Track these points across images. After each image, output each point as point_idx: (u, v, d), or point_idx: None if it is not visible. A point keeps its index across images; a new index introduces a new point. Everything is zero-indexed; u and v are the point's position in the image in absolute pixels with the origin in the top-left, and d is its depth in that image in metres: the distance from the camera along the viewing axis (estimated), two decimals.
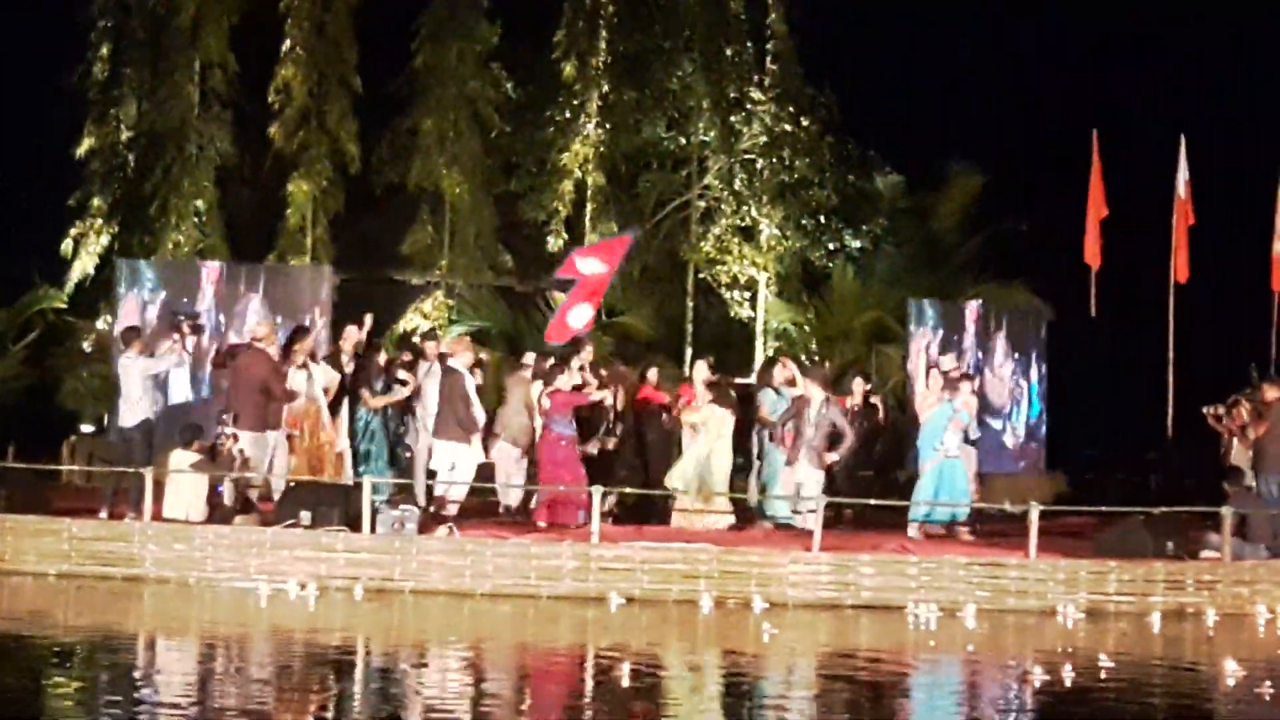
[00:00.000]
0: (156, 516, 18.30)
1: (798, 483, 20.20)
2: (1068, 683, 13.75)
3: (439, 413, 20.02)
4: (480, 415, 20.07)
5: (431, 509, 19.86)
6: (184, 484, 18.65)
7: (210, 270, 23.74)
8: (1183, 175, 24.76)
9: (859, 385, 22.56)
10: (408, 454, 21.23)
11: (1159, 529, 19.08)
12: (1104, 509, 19.78)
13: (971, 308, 25.33)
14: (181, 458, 18.78)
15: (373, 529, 18.15)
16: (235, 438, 18.79)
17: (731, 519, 20.67)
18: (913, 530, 20.42)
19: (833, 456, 20.26)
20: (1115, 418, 27.72)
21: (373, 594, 17.43)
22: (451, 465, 20.00)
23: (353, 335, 20.75)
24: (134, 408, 19.13)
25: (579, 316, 22.04)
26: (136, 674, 13.31)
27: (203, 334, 20.29)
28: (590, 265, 22.15)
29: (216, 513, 18.62)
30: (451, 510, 19.77)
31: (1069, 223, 25.68)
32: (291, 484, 19.01)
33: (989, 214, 30.72)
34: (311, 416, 19.72)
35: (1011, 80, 30.22)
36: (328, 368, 19.91)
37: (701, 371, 21.29)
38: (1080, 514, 20.53)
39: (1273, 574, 18.73)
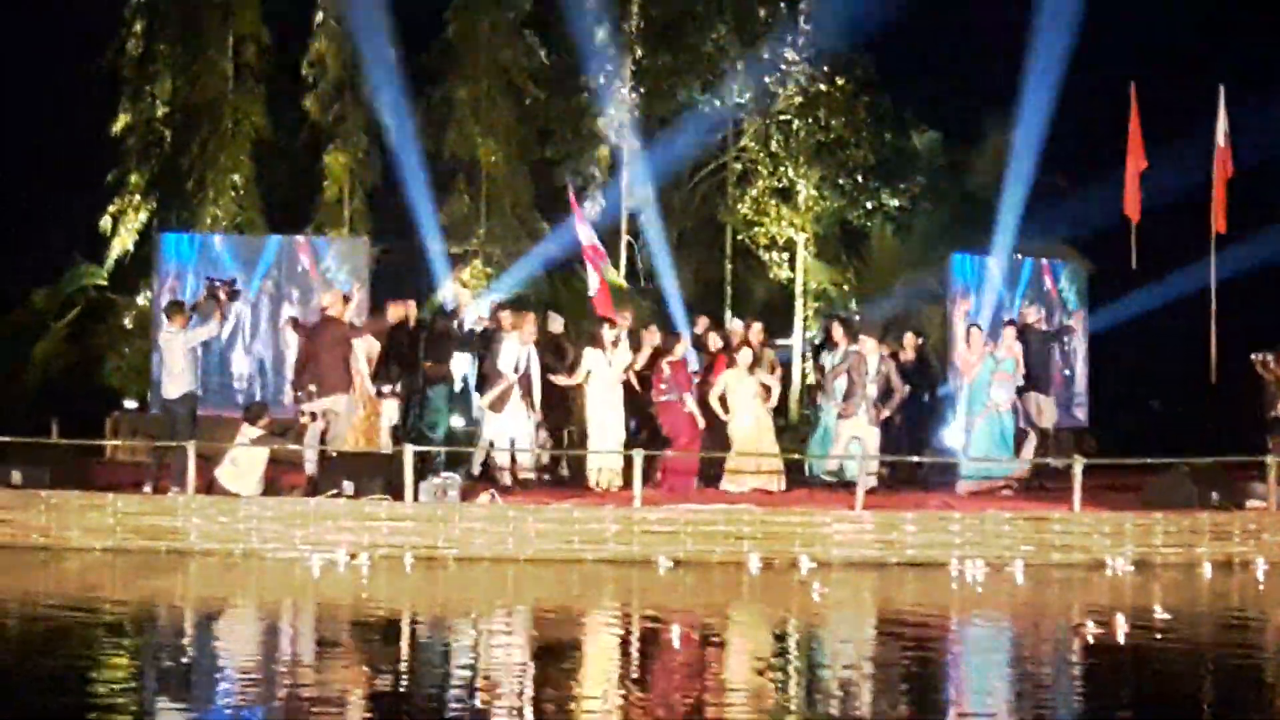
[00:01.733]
0: (201, 489, 18.36)
1: (854, 437, 20.20)
2: (1120, 637, 13.73)
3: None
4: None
5: (508, 481, 20.02)
6: (242, 459, 18.73)
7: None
8: (1222, 126, 24.60)
9: (910, 339, 22.47)
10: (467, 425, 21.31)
11: (1204, 480, 19.03)
12: (1149, 460, 19.69)
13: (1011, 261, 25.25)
14: (245, 432, 18.86)
15: (415, 497, 18.17)
16: (314, 416, 18.87)
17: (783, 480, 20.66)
18: (961, 487, 20.40)
19: (885, 412, 20.30)
20: (1157, 369, 27.56)
21: (418, 562, 17.45)
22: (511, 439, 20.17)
23: (398, 311, 20.64)
24: (177, 381, 19.14)
25: (593, 284, 22.46)
26: (186, 647, 13.37)
27: (239, 299, 20.25)
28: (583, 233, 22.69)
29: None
30: (505, 479, 19.86)
31: (1108, 176, 25.55)
32: (334, 454, 19.02)
33: (1027, 169, 30.57)
34: (359, 388, 19.71)
35: (1048, 34, 29.93)
36: (371, 338, 19.87)
37: (757, 334, 21.38)
38: (1125, 466, 20.43)
39: None
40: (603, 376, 20.41)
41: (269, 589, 16.67)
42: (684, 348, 21.12)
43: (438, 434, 20.48)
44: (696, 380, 21.17)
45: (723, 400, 20.48)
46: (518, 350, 20.12)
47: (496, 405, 20.04)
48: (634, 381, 21.05)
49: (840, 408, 20.48)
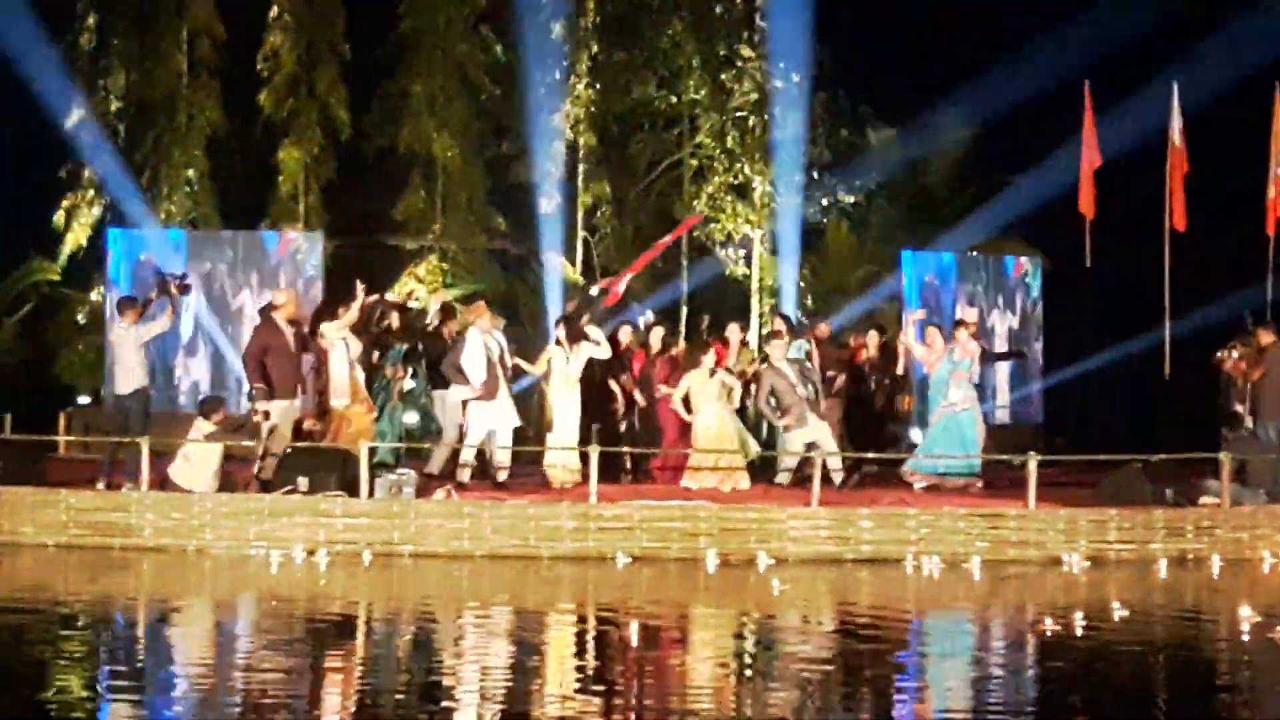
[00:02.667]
0: (154, 485, 18.29)
1: (809, 442, 20.29)
2: (1076, 632, 13.79)
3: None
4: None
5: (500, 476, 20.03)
6: (195, 455, 18.64)
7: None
8: (1176, 123, 24.63)
9: (874, 337, 22.53)
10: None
11: (1158, 476, 19.13)
12: (1102, 457, 19.77)
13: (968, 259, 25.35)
14: (199, 427, 18.79)
15: (370, 493, 18.12)
16: (267, 415, 18.80)
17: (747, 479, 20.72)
18: (917, 483, 20.46)
19: (824, 402, 20.46)
20: (1112, 366, 27.68)
21: (374, 559, 17.39)
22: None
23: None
24: (129, 376, 19.10)
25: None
26: (138, 645, 13.31)
27: (190, 293, 20.12)
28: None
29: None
30: (463, 475, 19.84)
31: (1063, 174, 25.62)
32: (289, 450, 18.96)
33: (982, 165, 30.68)
34: (361, 389, 19.67)
35: (1002, 31, 30.06)
36: (353, 338, 19.74)
37: (736, 334, 21.52)
38: (1078, 463, 20.50)
39: (1272, 519, 18.76)
40: (562, 373, 20.38)
41: (220, 586, 16.63)
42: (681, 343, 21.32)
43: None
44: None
45: (686, 401, 20.57)
46: (485, 341, 20.03)
47: (486, 396, 19.93)
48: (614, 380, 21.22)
49: (783, 423, 20.55)
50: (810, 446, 20.20)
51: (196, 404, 20.20)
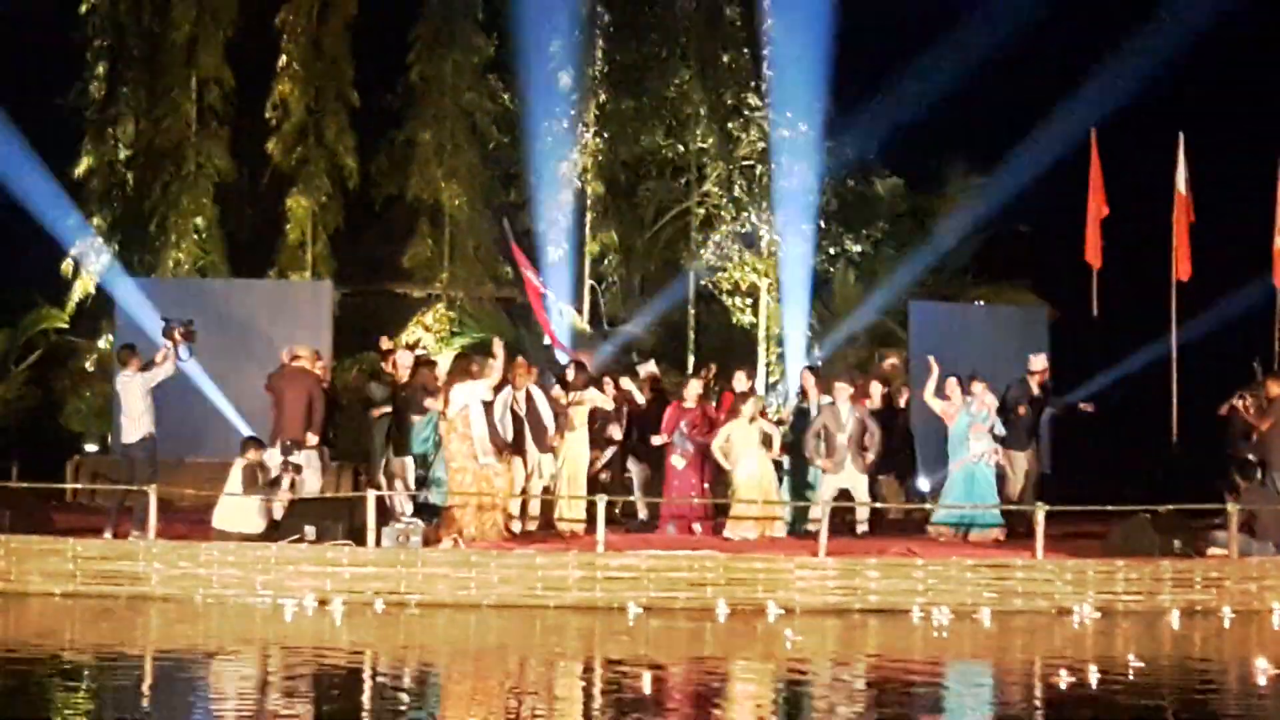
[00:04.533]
0: (161, 534, 18.28)
1: (843, 489, 20.42)
2: (1084, 684, 13.75)
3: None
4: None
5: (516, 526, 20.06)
6: (234, 503, 18.69)
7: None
8: (1182, 173, 24.70)
9: (877, 388, 22.57)
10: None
11: (1165, 527, 19.07)
12: (1110, 508, 19.71)
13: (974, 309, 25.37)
14: (237, 464, 18.82)
15: (378, 543, 18.11)
16: (299, 469, 18.87)
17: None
18: (934, 533, 20.46)
19: (870, 456, 20.42)
20: (1119, 417, 27.63)
21: (380, 608, 17.36)
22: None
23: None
24: (135, 424, 19.13)
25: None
26: (143, 693, 13.28)
27: (195, 339, 20.15)
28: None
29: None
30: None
31: (1070, 222, 25.65)
32: (296, 499, 18.97)
33: (989, 215, 30.71)
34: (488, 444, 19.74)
35: (1009, 80, 30.14)
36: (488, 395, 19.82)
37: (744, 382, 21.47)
38: (1086, 514, 20.44)
39: None
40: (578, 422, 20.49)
41: (225, 636, 16.57)
42: (694, 392, 21.20)
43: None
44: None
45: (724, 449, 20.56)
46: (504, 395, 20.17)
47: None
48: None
49: (823, 464, 20.55)
50: (842, 494, 20.27)
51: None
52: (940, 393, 21.06)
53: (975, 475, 20.56)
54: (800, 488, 21.40)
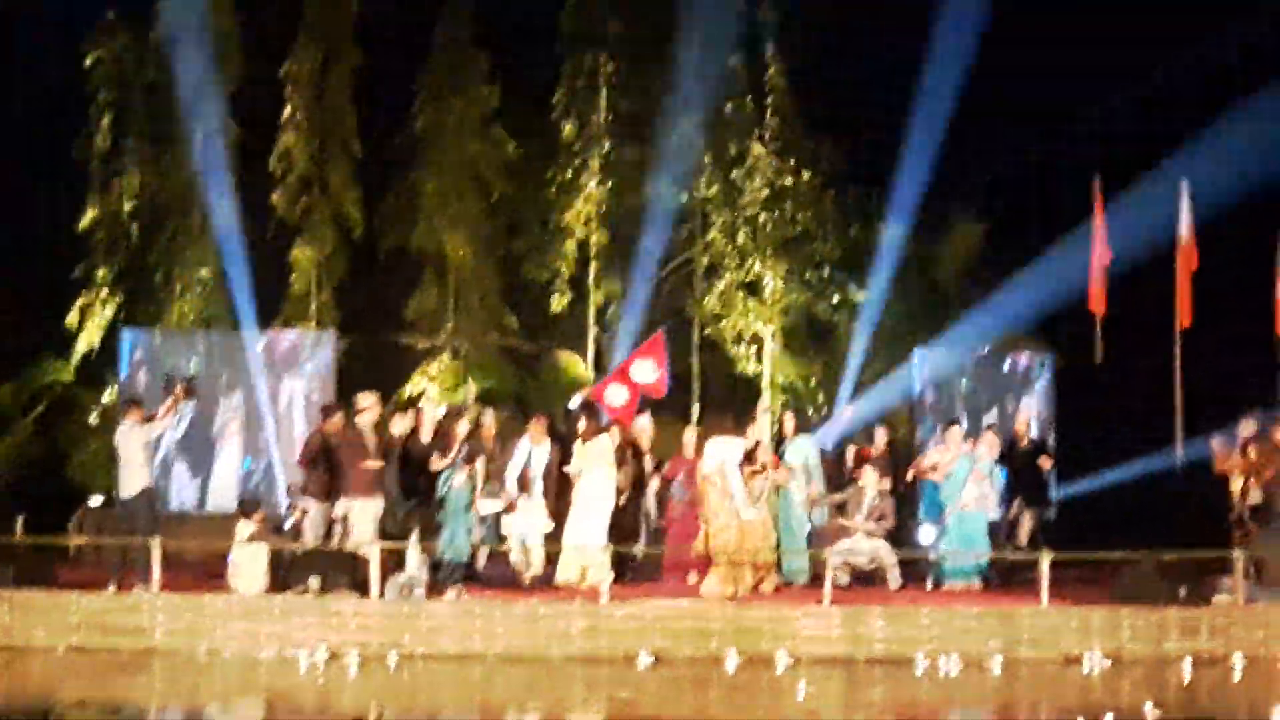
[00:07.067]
0: (164, 587, 18.27)
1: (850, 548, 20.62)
2: None
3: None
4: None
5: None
6: (243, 555, 18.69)
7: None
8: (1185, 220, 24.68)
9: (881, 435, 22.59)
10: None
11: (1171, 574, 19.01)
12: (1115, 555, 19.65)
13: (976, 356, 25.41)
14: (242, 529, 18.86)
15: (381, 594, 18.10)
16: (305, 511, 18.92)
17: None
18: (930, 584, 20.46)
19: (886, 525, 20.83)
20: (1123, 462, 27.58)
21: (383, 660, 17.34)
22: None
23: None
24: (134, 476, 19.14)
25: (617, 395, 22.41)
26: None
27: (196, 396, 20.14)
28: (642, 371, 22.64)
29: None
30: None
31: (1072, 270, 25.67)
32: (301, 552, 18.99)
33: (992, 262, 30.69)
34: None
35: (1012, 128, 30.19)
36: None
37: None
38: (1092, 561, 20.38)
39: None
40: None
41: (229, 689, 16.55)
42: (691, 438, 21.30)
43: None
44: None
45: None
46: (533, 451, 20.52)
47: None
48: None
49: (867, 528, 20.60)
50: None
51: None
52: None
53: (965, 523, 20.57)
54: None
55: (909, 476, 21.85)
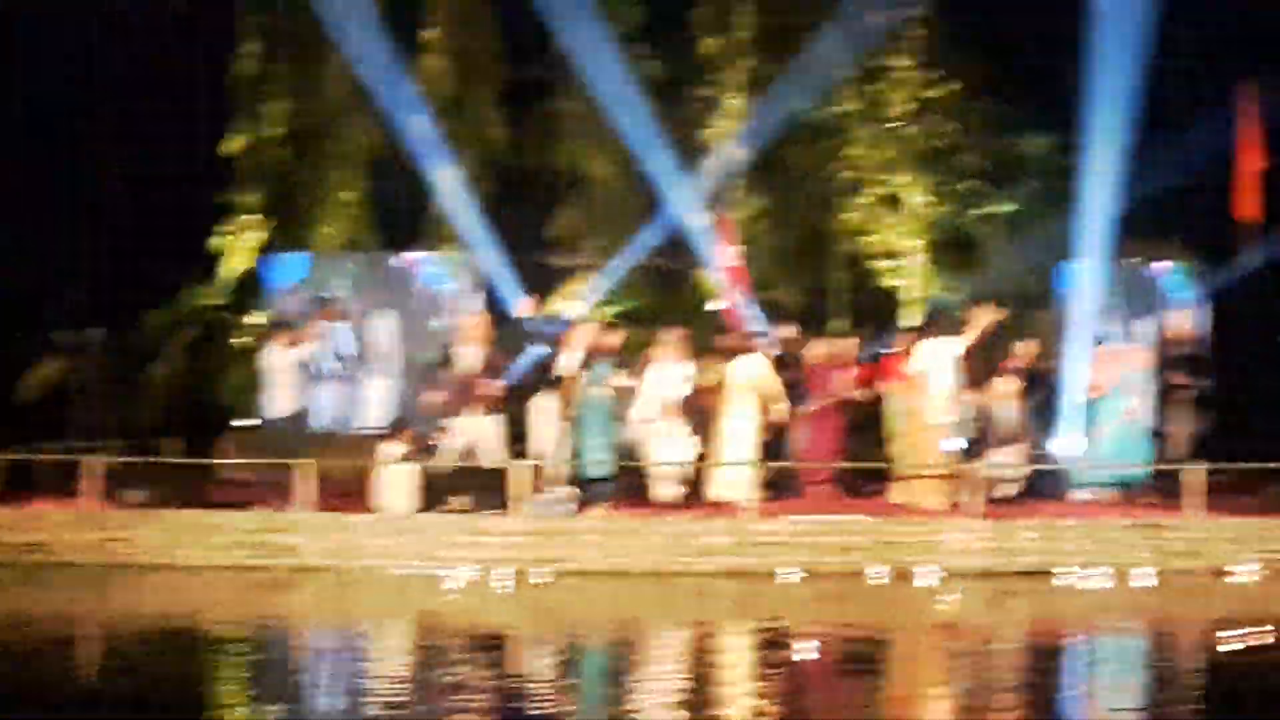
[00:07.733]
0: (314, 505, 18.44)
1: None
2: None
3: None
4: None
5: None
6: (393, 475, 18.85)
7: None
8: None
9: (1023, 348, 22.15)
10: None
11: None
12: (1272, 464, 19.29)
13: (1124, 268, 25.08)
14: (392, 448, 19.01)
15: (529, 511, 18.17)
16: (447, 431, 19.14)
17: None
18: (1085, 494, 20.12)
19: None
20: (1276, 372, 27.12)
21: (532, 578, 17.40)
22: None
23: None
24: (282, 398, 19.40)
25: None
26: (299, 666, 13.42)
27: (343, 318, 20.27)
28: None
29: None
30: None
31: (1223, 178, 25.25)
32: (450, 470, 19.09)
33: (1142, 172, 30.21)
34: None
35: (1156, 35, 29.61)
36: None
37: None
38: (1248, 470, 20.00)
39: None
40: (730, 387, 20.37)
41: (379, 606, 16.70)
42: (819, 352, 21.17)
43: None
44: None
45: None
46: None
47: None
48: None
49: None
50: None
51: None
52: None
53: (1128, 434, 20.26)
54: None
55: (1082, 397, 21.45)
